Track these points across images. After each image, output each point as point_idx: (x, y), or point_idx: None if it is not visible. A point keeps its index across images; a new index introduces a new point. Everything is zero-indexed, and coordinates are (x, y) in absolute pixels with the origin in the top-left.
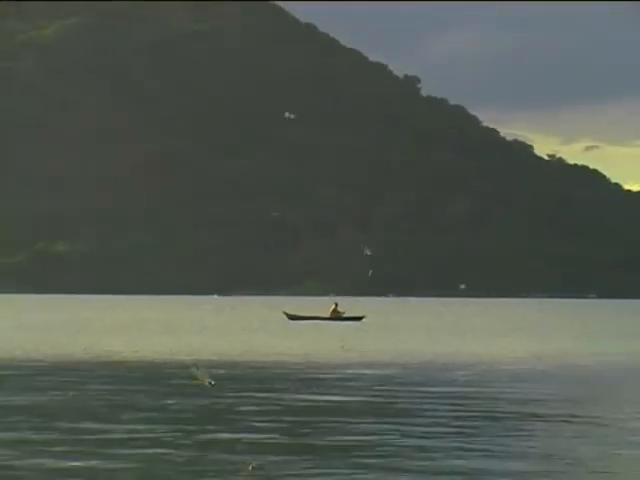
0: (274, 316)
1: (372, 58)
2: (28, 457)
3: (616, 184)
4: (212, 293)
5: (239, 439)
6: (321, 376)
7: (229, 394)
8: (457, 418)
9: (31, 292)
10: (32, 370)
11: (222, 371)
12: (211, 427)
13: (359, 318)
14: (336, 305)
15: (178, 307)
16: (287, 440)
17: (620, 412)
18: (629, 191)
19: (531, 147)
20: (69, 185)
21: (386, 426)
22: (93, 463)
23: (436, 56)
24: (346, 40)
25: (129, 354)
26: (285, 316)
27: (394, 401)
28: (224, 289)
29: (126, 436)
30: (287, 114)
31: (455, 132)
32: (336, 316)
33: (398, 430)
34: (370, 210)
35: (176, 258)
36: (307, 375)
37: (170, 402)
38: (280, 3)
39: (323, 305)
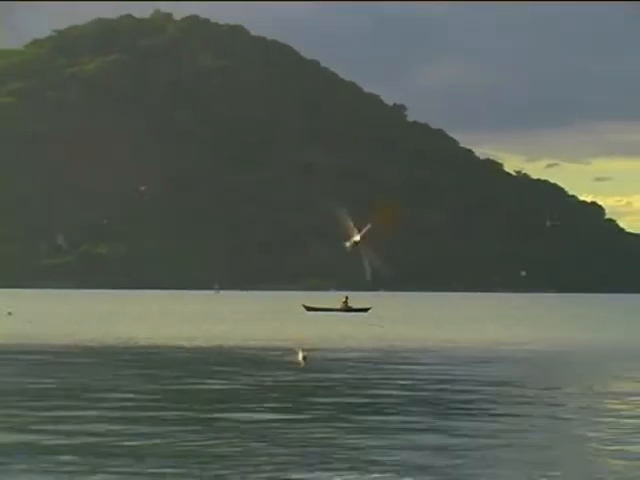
0: (294, 308)
1: (366, 89)
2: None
3: (572, 196)
4: (234, 289)
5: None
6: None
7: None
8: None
9: (78, 288)
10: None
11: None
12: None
13: (366, 309)
14: (346, 298)
15: (205, 300)
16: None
17: (569, 390)
18: (583, 201)
19: (501, 165)
20: (108, 197)
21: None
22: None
23: (420, 87)
24: (345, 74)
25: (184, 340)
26: (304, 308)
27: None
28: (244, 286)
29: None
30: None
31: (437, 152)
32: (346, 308)
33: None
34: (364, 218)
35: (198, 259)
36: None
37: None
38: (288, 43)
39: (325, 298)
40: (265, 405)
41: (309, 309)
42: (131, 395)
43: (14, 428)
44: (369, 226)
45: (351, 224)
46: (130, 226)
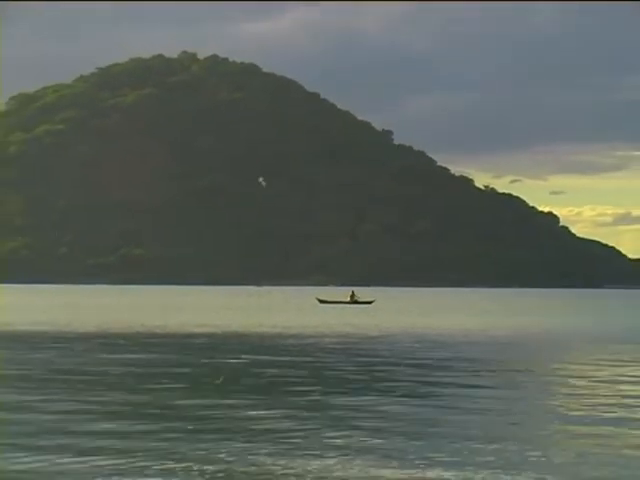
0: (308, 301)
1: (359, 117)
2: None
3: (532, 207)
4: (250, 284)
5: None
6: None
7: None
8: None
9: (119, 284)
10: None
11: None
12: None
13: (370, 302)
14: (353, 292)
15: (251, 295)
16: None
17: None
18: (541, 212)
19: (472, 180)
20: (144, 209)
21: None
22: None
23: (405, 115)
24: (341, 104)
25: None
26: (317, 301)
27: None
28: (259, 281)
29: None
30: (261, 180)
31: (418, 170)
32: (353, 300)
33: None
34: (359, 226)
35: (222, 259)
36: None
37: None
38: (294, 78)
39: (334, 293)
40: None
41: (322, 302)
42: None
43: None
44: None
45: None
46: (163, 233)
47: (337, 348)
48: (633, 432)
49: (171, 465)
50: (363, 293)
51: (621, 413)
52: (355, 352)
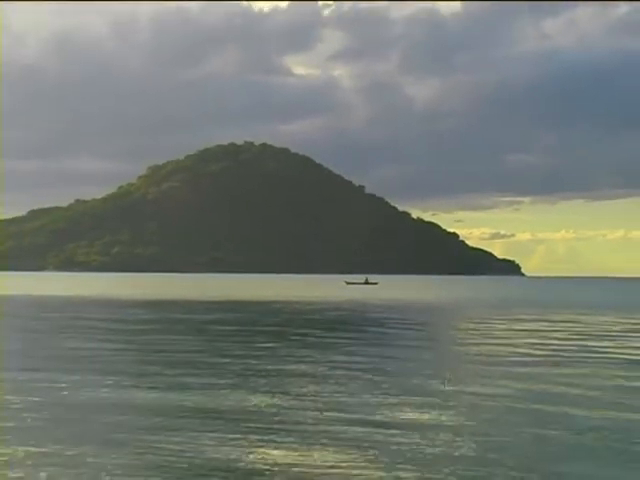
0: (338, 283)
1: (346, 177)
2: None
3: (444, 229)
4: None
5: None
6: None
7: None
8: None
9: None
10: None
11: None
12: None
13: (375, 283)
14: (367, 278)
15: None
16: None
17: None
18: (449, 232)
19: (410, 214)
20: (222, 236)
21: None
22: None
23: (375, 176)
24: (327, 165)
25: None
26: (345, 283)
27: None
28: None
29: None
30: None
31: (382, 213)
32: (366, 282)
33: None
34: (343, 249)
35: (259, 260)
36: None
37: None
38: (289, 146)
39: (355, 279)
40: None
41: (348, 283)
42: None
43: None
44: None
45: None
46: (238, 249)
47: (348, 307)
48: (523, 370)
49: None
50: (371, 279)
51: (509, 348)
52: (352, 310)
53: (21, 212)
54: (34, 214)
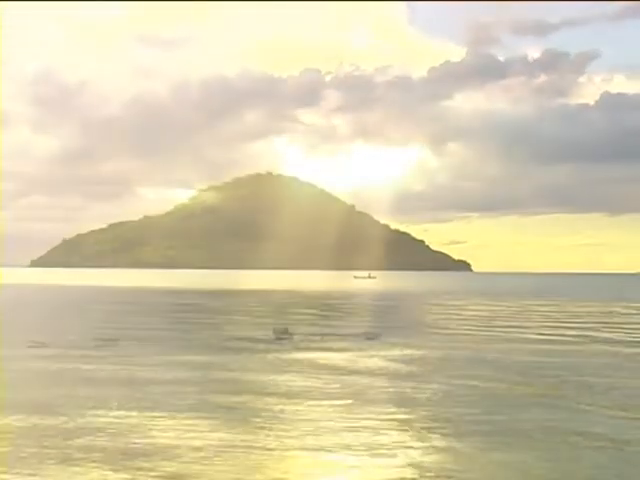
0: (347, 278)
1: (341, 198)
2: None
3: (414, 238)
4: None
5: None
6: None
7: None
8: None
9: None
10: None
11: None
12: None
13: (375, 277)
14: (370, 273)
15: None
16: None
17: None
18: (417, 239)
19: (389, 225)
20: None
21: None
22: None
23: (366, 193)
24: (330, 189)
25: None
26: (354, 277)
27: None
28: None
29: None
30: None
31: (365, 228)
32: (369, 277)
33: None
34: (341, 259)
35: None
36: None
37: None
38: (291, 173)
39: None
40: None
41: (356, 277)
42: None
43: None
44: None
45: None
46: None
47: (354, 294)
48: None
49: None
50: (372, 274)
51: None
52: (350, 295)
53: (101, 225)
54: (112, 226)
